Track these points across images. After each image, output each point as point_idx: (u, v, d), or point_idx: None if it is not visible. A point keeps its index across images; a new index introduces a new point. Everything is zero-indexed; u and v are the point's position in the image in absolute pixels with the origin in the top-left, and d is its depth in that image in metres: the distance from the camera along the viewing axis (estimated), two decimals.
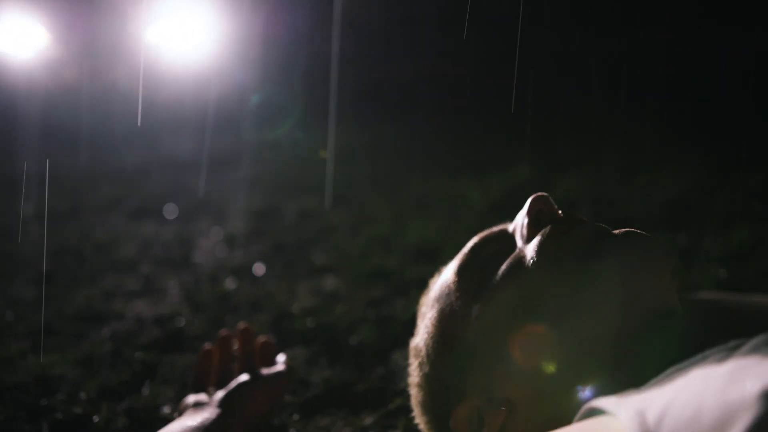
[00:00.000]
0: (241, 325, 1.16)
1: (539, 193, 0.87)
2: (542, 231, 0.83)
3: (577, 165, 2.88)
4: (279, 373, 1.10)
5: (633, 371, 0.72)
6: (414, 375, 0.91)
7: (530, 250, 0.82)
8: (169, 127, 4.17)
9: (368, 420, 1.15)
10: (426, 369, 0.88)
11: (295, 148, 3.67)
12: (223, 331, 1.17)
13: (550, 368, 0.79)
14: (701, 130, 3.41)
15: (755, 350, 0.58)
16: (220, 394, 1.04)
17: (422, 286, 0.96)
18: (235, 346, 1.15)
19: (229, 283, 1.78)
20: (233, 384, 1.06)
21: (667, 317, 0.77)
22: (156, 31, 4.26)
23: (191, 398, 1.07)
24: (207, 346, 1.15)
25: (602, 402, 0.61)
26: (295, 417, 1.17)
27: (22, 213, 2.57)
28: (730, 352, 0.60)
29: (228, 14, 4.24)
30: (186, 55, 4.35)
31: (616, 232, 0.81)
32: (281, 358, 1.15)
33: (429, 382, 0.88)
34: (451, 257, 0.92)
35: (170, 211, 2.55)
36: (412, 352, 0.93)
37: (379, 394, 1.21)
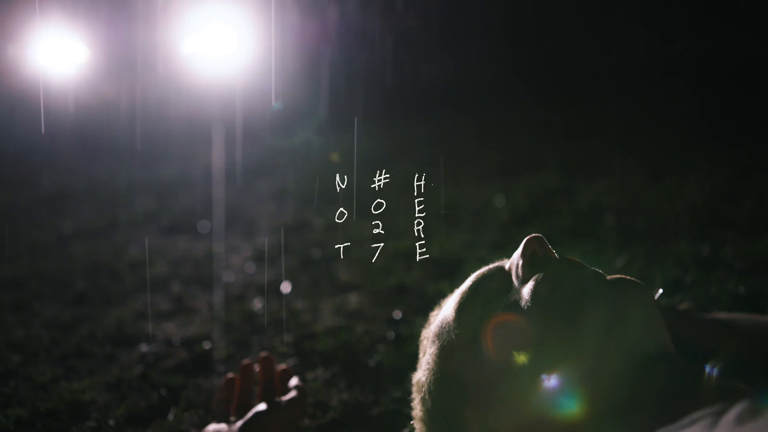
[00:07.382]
0: (263, 353, 1.21)
1: (534, 234, 0.89)
2: (536, 275, 0.85)
3: (602, 171, 2.87)
4: (293, 400, 1.15)
5: (626, 417, 0.74)
6: (417, 409, 0.94)
7: (525, 293, 0.84)
8: (203, 137, 4.26)
9: None
10: (428, 404, 0.91)
11: (322, 154, 3.72)
12: (246, 361, 1.22)
13: (546, 408, 0.81)
14: (729, 130, 3.37)
15: (739, 423, 0.59)
16: (238, 424, 1.09)
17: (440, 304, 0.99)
18: (257, 369, 1.21)
19: (257, 303, 1.83)
20: (251, 414, 1.11)
21: (659, 361, 0.78)
22: (191, 44, 4.36)
23: (212, 427, 1.12)
24: (230, 375, 1.20)
25: None
26: None
27: (61, 229, 2.66)
28: (716, 419, 0.61)
29: (260, 25, 4.31)
30: (219, 66, 4.43)
31: (609, 278, 0.83)
32: (294, 381, 1.19)
33: (431, 416, 0.91)
34: (471, 273, 0.95)
35: (203, 226, 2.62)
36: (414, 387, 0.96)
37: (394, 418, 1.24)
